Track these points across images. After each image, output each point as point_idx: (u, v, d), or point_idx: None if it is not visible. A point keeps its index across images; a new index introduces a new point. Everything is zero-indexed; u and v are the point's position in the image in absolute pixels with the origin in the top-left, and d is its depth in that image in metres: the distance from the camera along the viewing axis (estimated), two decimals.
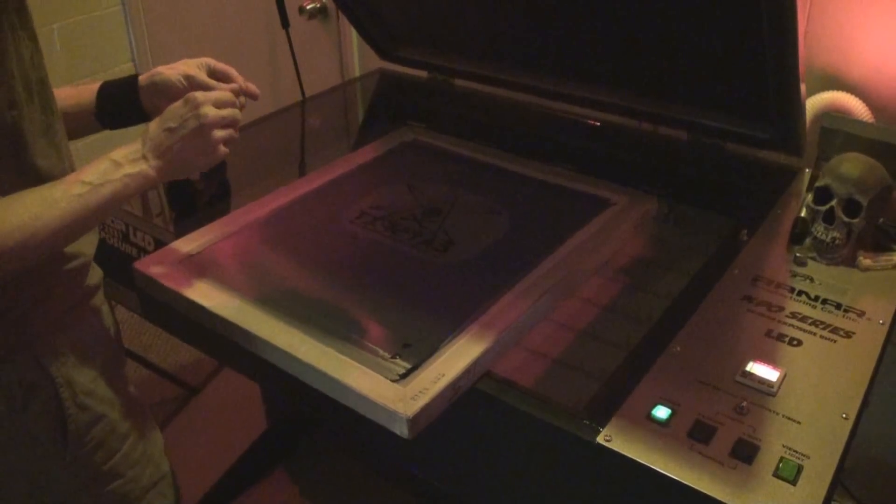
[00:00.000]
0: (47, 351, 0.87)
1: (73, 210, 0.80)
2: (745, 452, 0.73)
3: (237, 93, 1.01)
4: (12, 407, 0.86)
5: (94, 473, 0.94)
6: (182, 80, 1.01)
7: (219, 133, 0.90)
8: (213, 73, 1.04)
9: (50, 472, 0.91)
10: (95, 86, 1.03)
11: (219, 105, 0.91)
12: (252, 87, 1.05)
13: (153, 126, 0.89)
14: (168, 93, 1.01)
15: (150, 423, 1.05)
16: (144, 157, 0.86)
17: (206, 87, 1.00)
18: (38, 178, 0.82)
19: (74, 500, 0.94)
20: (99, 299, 0.97)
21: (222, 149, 0.91)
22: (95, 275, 0.96)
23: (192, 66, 1.03)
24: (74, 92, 1.02)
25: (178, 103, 0.90)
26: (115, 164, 0.84)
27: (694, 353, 0.85)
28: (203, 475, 1.75)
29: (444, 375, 0.81)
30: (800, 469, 0.71)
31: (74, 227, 0.82)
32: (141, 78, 1.04)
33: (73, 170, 0.87)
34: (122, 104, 1.04)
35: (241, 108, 0.98)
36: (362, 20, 1.53)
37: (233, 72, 1.06)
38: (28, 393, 0.86)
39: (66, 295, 0.90)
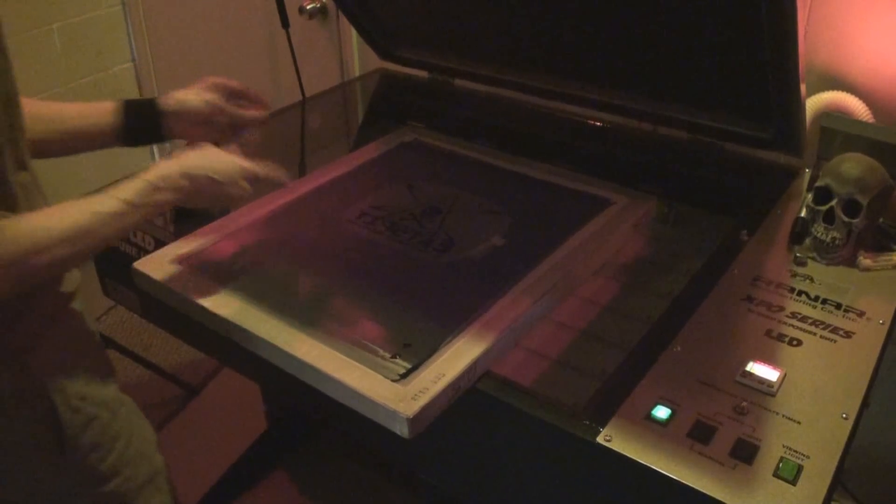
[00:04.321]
0: (36, 359, 0.89)
1: (115, 227, 0.84)
2: (745, 452, 0.73)
3: (259, 122, 1.14)
4: (4, 413, 0.88)
5: (92, 474, 0.96)
6: (206, 104, 1.09)
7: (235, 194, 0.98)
8: (231, 95, 1.12)
9: (48, 475, 0.93)
10: (107, 104, 1.05)
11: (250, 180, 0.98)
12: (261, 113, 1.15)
13: (194, 160, 0.93)
14: (195, 119, 1.09)
15: (141, 419, 1.06)
16: (179, 187, 0.90)
17: (233, 116, 1.11)
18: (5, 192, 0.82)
19: (73, 501, 0.96)
20: (78, 304, 0.98)
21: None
22: (73, 280, 0.97)
23: (211, 91, 1.10)
24: (75, 109, 1.03)
25: (229, 160, 0.96)
26: (153, 186, 0.88)
27: (694, 353, 0.85)
28: (203, 475, 1.75)
29: (444, 375, 0.81)
30: (800, 469, 0.71)
31: (109, 242, 0.87)
32: (162, 101, 1.08)
33: (37, 186, 0.89)
34: (146, 125, 1.07)
35: (264, 121, 1.14)
36: (362, 20, 1.53)
37: (249, 91, 1.14)
38: (18, 401, 0.88)
39: (46, 303, 0.91)
